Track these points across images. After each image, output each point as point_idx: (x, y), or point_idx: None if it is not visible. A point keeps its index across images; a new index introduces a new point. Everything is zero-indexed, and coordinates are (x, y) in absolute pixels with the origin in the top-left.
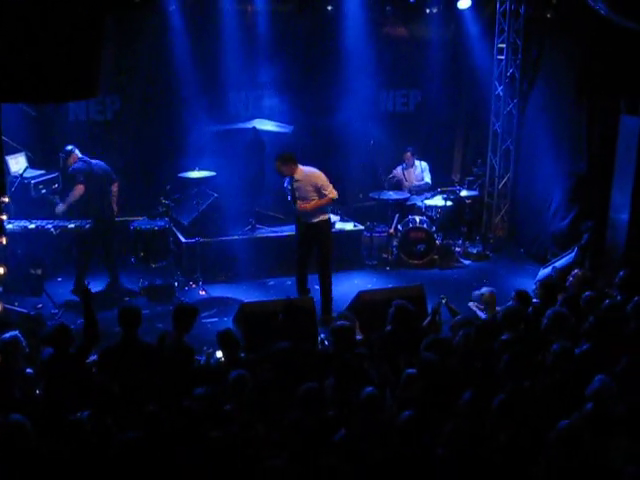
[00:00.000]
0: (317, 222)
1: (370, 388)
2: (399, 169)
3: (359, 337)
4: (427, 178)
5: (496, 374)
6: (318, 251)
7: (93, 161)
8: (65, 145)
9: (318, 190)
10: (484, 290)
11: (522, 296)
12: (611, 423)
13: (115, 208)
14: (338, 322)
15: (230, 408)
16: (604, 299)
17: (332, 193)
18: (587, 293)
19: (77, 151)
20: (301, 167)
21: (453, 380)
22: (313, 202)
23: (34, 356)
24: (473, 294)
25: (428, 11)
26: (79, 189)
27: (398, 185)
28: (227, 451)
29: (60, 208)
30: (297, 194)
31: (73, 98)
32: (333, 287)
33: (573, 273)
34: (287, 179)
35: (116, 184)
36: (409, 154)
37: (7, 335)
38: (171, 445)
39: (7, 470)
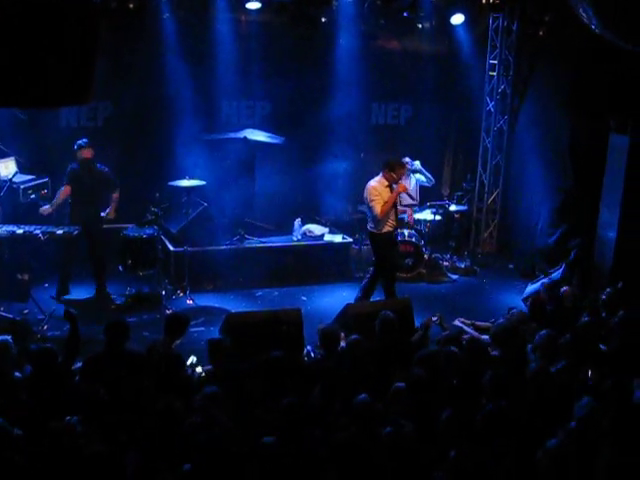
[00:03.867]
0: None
1: (363, 395)
2: None
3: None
4: (424, 178)
5: (479, 392)
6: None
7: (96, 167)
8: (61, 152)
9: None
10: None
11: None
12: (596, 441)
13: (113, 216)
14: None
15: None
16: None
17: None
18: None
19: (85, 150)
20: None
21: (441, 396)
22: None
23: (21, 361)
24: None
25: (421, 26)
26: (64, 190)
27: None
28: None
29: (44, 208)
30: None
31: (66, 104)
32: (320, 299)
33: (561, 290)
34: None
35: (117, 193)
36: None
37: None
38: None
39: None
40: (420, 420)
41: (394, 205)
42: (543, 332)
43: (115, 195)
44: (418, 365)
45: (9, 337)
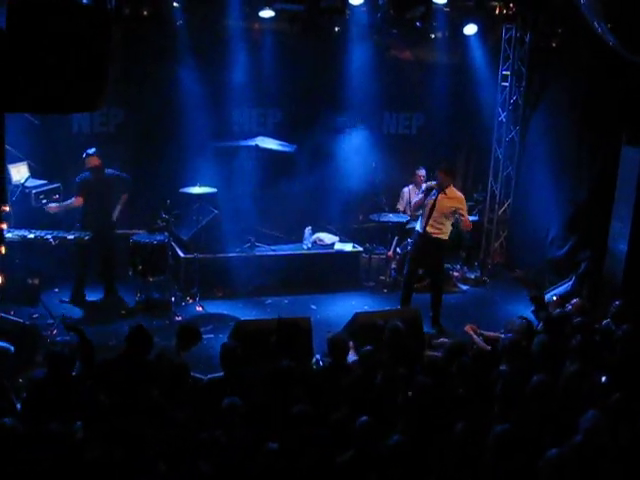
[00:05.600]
0: (441, 238)
1: (364, 418)
2: (406, 189)
3: (354, 357)
4: None
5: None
6: (432, 265)
7: (105, 173)
8: (73, 158)
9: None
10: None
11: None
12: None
13: (115, 218)
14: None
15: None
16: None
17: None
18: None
19: (95, 158)
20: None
21: (448, 405)
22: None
23: (26, 367)
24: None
25: (434, 36)
26: (76, 201)
27: (408, 205)
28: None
29: (52, 206)
30: (436, 208)
31: (78, 110)
32: (329, 307)
33: (572, 302)
34: (434, 191)
35: (126, 195)
36: (421, 175)
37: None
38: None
39: None
40: (425, 428)
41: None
42: (541, 337)
43: (124, 196)
44: (423, 373)
45: (10, 345)
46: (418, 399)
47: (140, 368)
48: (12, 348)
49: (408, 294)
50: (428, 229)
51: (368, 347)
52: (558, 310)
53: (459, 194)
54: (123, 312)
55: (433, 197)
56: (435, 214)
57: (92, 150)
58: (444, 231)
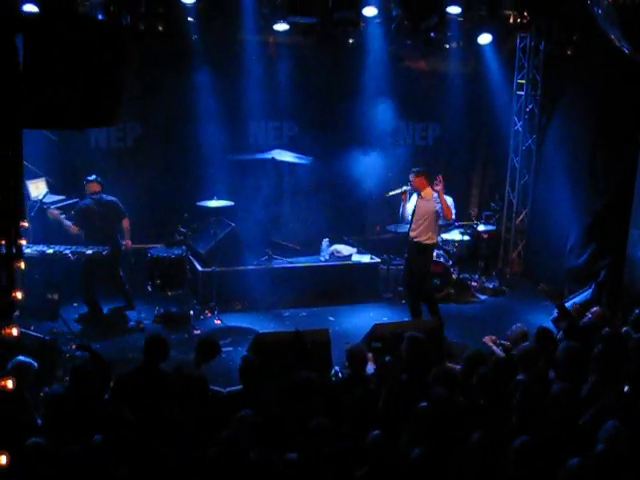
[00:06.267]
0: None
1: (376, 432)
2: None
3: (372, 368)
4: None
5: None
6: (416, 270)
7: (104, 198)
8: (90, 173)
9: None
10: (515, 327)
11: (544, 335)
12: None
13: (129, 243)
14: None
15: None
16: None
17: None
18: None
19: (95, 184)
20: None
21: (463, 416)
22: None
23: (47, 382)
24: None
25: (448, 46)
26: (72, 228)
27: None
28: None
29: (53, 211)
30: (416, 212)
31: (95, 125)
32: (348, 319)
33: (592, 310)
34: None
35: (126, 220)
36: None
37: (22, 358)
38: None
39: None
40: (442, 440)
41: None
42: (564, 344)
43: (125, 224)
44: (438, 384)
45: (33, 361)
46: (435, 410)
47: (158, 381)
48: (35, 364)
49: (413, 304)
50: (411, 234)
51: (388, 358)
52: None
53: (435, 194)
54: (141, 326)
55: (414, 202)
56: (416, 218)
57: (92, 177)
58: (427, 235)
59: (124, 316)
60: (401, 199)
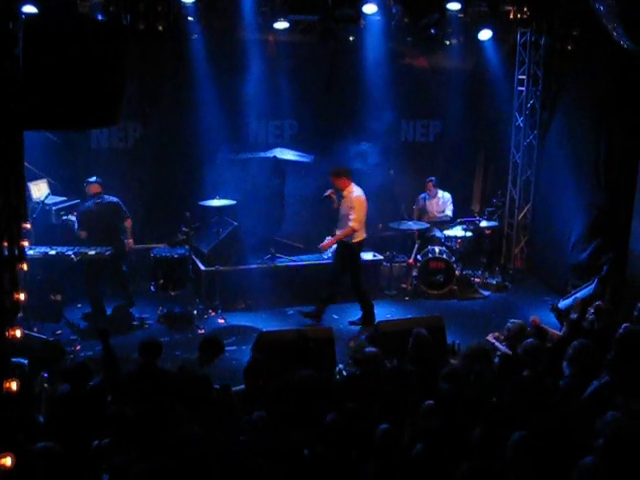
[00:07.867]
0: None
1: (384, 425)
2: (421, 198)
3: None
4: (448, 211)
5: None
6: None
7: (106, 199)
8: (91, 174)
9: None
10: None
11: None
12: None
13: (131, 243)
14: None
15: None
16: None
17: (353, 222)
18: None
19: (95, 185)
20: (353, 186)
21: (469, 413)
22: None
23: (50, 382)
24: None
25: (449, 42)
26: (82, 234)
27: (423, 213)
28: None
29: (82, 232)
30: (340, 211)
31: (95, 126)
32: (351, 317)
33: (595, 305)
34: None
35: (129, 220)
36: (431, 184)
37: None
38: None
39: None
40: (448, 436)
41: None
42: (576, 343)
43: (127, 224)
44: (444, 380)
45: (25, 360)
46: (439, 406)
47: (161, 380)
48: (26, 362)
49: (362, 303)
50: (337, 232)
51: (371, 349)
52: (575, 315)
53: (354, 195)
54: (145, 325)
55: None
56: (340, 217)
57: (93, 178)
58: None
59: (128, 315)
60: (331, 201)
